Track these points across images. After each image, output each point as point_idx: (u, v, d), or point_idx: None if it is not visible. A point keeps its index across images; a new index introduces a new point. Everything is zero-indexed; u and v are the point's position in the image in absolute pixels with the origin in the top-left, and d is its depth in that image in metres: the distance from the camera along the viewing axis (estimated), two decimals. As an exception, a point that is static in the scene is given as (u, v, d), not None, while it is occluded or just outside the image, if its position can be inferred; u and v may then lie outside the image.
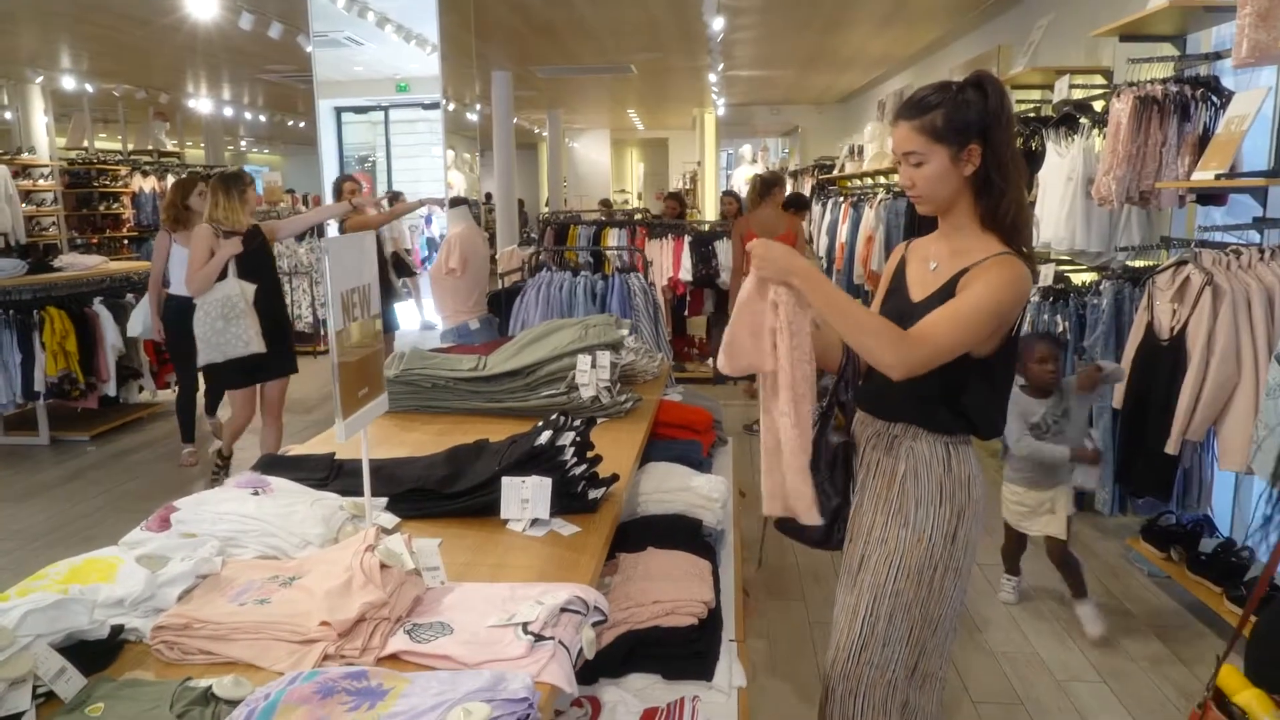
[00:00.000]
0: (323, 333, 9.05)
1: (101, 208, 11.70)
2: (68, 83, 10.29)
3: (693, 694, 1.69)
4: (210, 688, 1.15)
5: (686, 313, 7.99)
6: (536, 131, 18.64)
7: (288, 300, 8.87)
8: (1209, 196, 3.69)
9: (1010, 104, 1.68)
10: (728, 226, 8.09)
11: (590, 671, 1.70)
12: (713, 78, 10.80)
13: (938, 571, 1.73)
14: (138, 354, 6.11)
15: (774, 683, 2.88)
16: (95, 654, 1.25)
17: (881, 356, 1.58)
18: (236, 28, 6.73)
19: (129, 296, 6.17)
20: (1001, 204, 1.66)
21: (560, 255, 4.58)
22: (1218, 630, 3.21)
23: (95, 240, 11.25)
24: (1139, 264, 4.05)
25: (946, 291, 1.67)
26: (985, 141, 1.65)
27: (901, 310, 1.74)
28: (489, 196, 12.52)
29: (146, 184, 11.48)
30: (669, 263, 7.71)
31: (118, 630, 1.29)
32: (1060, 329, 4.12)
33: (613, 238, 7.32)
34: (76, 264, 6.31)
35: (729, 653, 1.83)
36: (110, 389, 5.91)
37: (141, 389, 6.31)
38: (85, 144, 12.03)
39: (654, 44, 8.91)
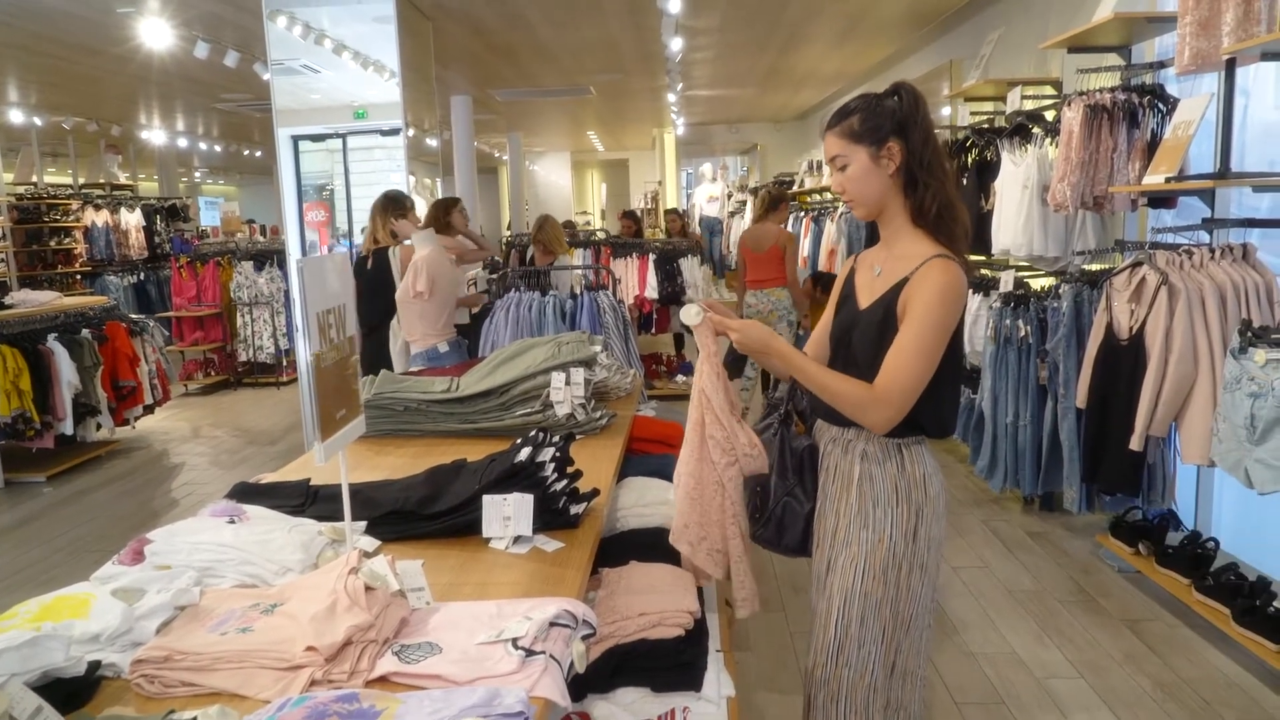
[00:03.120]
0: (285, 363, 8.95)
1: (52, 243, 11.45)
2: (15, 116, 10.08)
3: (683, 705, 1.68)
4: (195, 719, 1.12)
5: (653, 330, 8.02)
6: (497, 155, 18.65)
7: (248, 331, 8.76)
8: (1160, 199, 3.80)
9: (926, 107, 1.77)
10: (690, 243, 8.21)
11: (579, 687, 1.68)
12: (671, 98, 10.90)
13: (903, 570, 1.76)
14: (95, 390, 5.96)
15: (758, 693, 2.88)
16: (72, 692, 1.22)
17: (860, 419, 1.71)
18: (191, 57, 6.67)
19: (85, 332, 6.03)
20: (925, 199, 1.74)
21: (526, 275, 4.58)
22: (1188, 621, 3.28)
23: (44, 275, 10.99)
24: (1095, 267, 4.15)
25: (889, 300, 1.73)
26: (903, 139, 1.73)
27: (851, 319, 1.82)
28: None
29: (99, 218, 11.26)
30: (634, 281, 7.75)
31: (95, 666, 1.26)
32: (1023, 333, 4.20)
33: (577, 257, 7.33)
34: (29, 300, 6.16)
35: (716, 663, 1.82)
36: (67, 427, 5.75)
37: (99, 426, 6.14)
38: (34, 179, 11.77)
39: (613, 65, 8.98)
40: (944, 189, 1.75)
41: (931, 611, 1.84)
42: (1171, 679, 2.92)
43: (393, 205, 4.62)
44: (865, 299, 1.81)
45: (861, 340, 1.76)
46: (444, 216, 5.20)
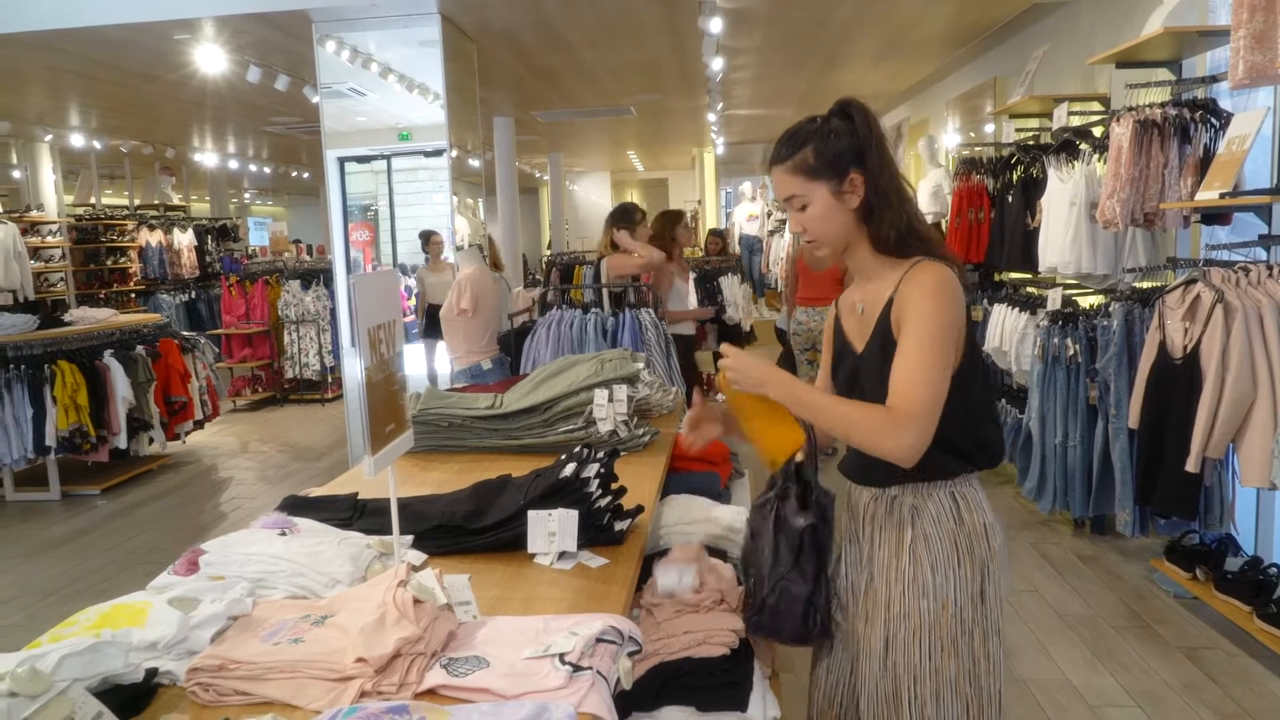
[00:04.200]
0: (330, 380, 9.09)
1: (109, 262, 11.82)
2: (76, 140, 10.45)
3: (728, 725, 1.66)
4: (249, 727, 1.14)
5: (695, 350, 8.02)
6: (538, 175, 18.85)
7: (294, 348, 8.92)
8: (1213, 216, 3.71)
9: (880, 126, 1.61)
10: (728, 261, 8.21)
11: (624, 705, 1.67)
12: (711, 117, 10.94)
13: (975, 638, 1.56)
14: (148, 405, 6.12)
15: (803, 716, 2.83)
16: (130, 698, 1.24)
17: (880, 450, 1.48)
18: (244, 81, 6.86)
19: (139, 348, 6.20)
20: (882, 230, 1.58)
21: (568, 293, 4.62)
22: (1249, 650, 3.16)
23: (103, 295, 11.35)
24: (1146, 285, 4.07)
25: (882, 331, 1.57)
26: (864, 168, 1.57)
27: (854, 367, 1.66)
28: (490, 241, 12.68)
29: (153, 238, 11.60)
30: (675, 299, 7.75)
31: (152, 673, 1.28)
32: (1071, 352, 4.12)
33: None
34: (87, 317, 6.36)
35: (762, 683, 1.80)
36: (121, 441, 5.91)
37: (152, 441, 6.31)
38: (92, 200, 12.17)
39: (653, 85, 9.04)
40: (901, 216, 1.58)
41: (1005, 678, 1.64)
42: (1233, 709, 2.82)
43: (619, 217, 4.71)
44: (859, 343, 1.65)
45: (871, 383, 1.59)
46: (670, 230, 5.23)
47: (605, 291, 4.52)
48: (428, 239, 6.50)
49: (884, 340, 1.56)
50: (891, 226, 1.58)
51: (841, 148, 1.57)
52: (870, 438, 1.48)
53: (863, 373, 1.62)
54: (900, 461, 1.48)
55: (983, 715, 1.58)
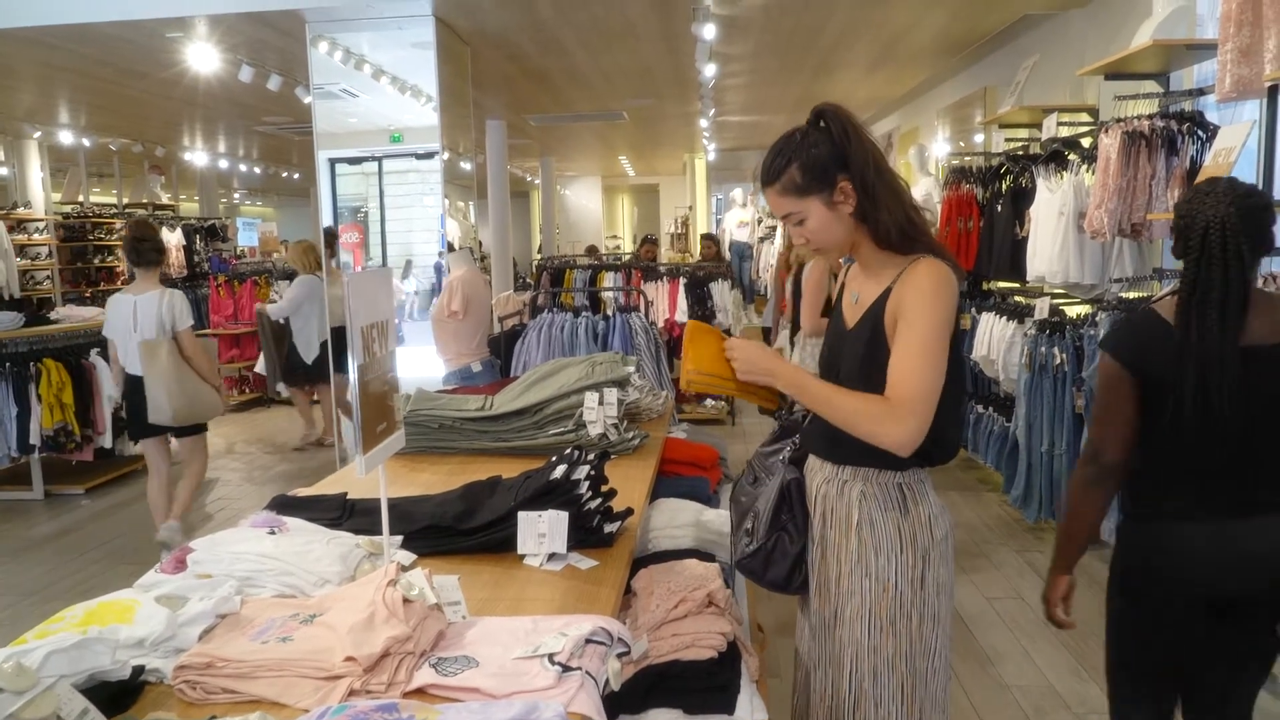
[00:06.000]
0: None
1: (96, 260, 11.74)
2: (65, 137, 10.38)
3: (716, 728, 1.66)
4: (236, 725, 1.13)
5: (679, 356, 8.04)
6: (529, 179, 18.86)
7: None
8: (1199, 227, 3.74)
9: (858, 127, 1.63)
10: (721, 269, 8.24)
11: (612, 707, 1.67)
12: (704, 123, 10.98)
13: (913, 621, 1.64)
14: (134, 404, 6.07)
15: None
16: (117, 695, 1.24)
17: (882, 439, 1.53)
18: (235, 80, 6.84)
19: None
20: (879, 227, 1.62)
21: (558, 297, 4.63)
22: (1232, 659, 3.19)
23: (89, 294, 11.28)
24: (1133, 295, 4.10)
25: (875, 314, 1.63)
26: (849, 173, 1.60)
27: (838, 335, 1.73)
28: (480, 244, 12.67)
29: (142, 236, 11.53)
30: (665, 305, 7.78)
31: (139, 670, 1.28)
32: (1058, 361, 4.15)
33: (608, 280, 7.38)
34: (73, 316, 6.32)
35: (749, 686, 1.80)
36: (106, 441, 5.87)
37: (137, 440, 6.25)
38: (80, 198, 12.10)
39: (646, 90, 9.06)
40: (896, 212, 1.61)
41: (949, 665, 1.72)
42: (1214, 717, 2.83)
43: None
44: (850, 320, 1.71)
45: (850, 363, 1.66)
46: None
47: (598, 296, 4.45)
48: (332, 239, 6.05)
49: (874, 327, 1.62)
50: (891, 224, 1.62)
51: (823, 158, 1.61)
52: (872, 427, 1.54)
53: (845, 348, 1.68)
54: (899, 449, 1.53)
55: (915, 692, 1.66)
